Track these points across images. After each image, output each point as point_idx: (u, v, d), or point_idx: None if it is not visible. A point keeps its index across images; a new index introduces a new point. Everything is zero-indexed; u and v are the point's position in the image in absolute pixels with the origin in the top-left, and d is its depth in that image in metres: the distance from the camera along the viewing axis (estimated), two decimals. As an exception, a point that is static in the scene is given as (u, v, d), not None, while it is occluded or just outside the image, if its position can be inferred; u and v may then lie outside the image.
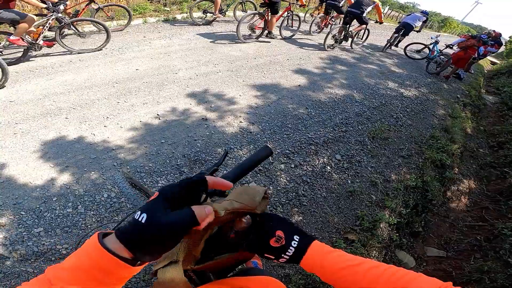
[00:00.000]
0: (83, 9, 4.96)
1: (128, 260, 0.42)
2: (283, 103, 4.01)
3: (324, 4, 8.25)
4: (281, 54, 5.94)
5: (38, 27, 3.96)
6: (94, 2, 4.93)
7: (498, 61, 18.19)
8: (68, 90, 3.49)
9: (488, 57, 14.81)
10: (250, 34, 6.45)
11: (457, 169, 4.03)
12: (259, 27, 6.31)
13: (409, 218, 2.88)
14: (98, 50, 4.57)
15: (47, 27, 3.95)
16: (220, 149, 2.92)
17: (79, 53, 4.41)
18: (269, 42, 6.48)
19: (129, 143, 2.83)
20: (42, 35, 3.95)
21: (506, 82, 9.96)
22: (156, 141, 2.90)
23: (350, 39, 7.43)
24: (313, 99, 4.32)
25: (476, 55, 7.55)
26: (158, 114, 3.28)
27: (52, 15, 3.93)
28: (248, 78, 4.48)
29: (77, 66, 4.11)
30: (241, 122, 3.41)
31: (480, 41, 7.45)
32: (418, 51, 9.34)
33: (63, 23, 4.07)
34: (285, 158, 3.04)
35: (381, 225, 2.61)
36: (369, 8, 6.57)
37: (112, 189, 2.33)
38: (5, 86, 3.36)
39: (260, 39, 6.44)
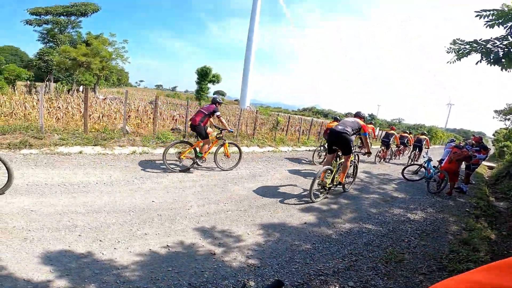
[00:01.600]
0: None
1: None
2: (291, 239, 4.04)
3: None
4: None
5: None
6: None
7: (494, 165, 17.96)
8: (88, 211, 3.81)
9: (484, 163, 14.86)
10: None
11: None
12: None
13: None
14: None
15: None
16: (227, 282, 2.87)
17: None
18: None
19: (135, 266, 2.87)
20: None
21: (511, 185, 9.87)
22: (163, 268, 2.92)
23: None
24: (319, 234, 4.36)
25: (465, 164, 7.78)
26: (168, 245, 3.36)
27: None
28: (255, 218, 4.59)
29: (100, 189, 4.56)
30: (248, 258, 3.41)
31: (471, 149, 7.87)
32: (415, 172, 9.81)
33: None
34: (295, 291, 2.92)
35: None
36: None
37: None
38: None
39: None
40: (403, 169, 9.30)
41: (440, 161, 8.43)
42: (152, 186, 5.13)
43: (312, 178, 5.80)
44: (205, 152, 6.38)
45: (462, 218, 6.00)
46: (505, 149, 19.90)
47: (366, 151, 6.20)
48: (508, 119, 17.19)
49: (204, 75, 29.61)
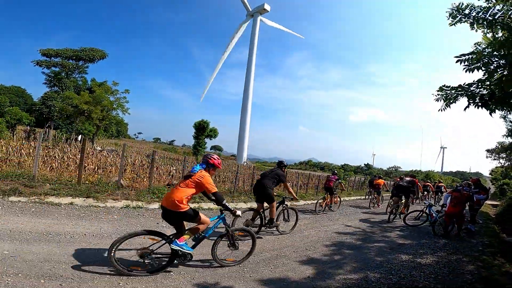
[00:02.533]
0: None
1: None
2: None
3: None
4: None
5: None
6: None
7: (497, 203, 18.14)
8: (72, 261, 3.57)
9: (487, 202, 15.63)
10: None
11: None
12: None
13: None
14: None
15: None
16: None
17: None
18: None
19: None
20: None
21: (520, 220, 9.81)
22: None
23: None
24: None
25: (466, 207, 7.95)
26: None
27: None
28: (255, 273, 4.24)
29: (88, 240, 4.36)
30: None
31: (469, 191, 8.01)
32: (417, 218, 9.70)
33: None
34: None
35: None
36: None
37: None
38: None
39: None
40: (404, 216, 9.45)
41: (443, 206, 8.45)
42: (145, 240, 4.79)
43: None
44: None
45: (477, 257, 5.87)
46: (505, 187, 19.62)
47: (416, 196, 12.87)
48: (502, 158, 17.59)
49: (201, 129, 30.24)
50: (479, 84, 4.40)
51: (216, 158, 4.07)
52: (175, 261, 3.74)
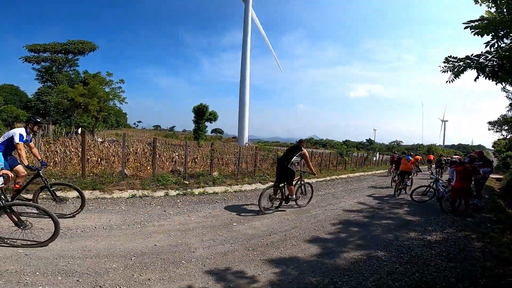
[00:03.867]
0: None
1: None
2: (306, 276, 3.71)
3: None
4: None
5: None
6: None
7: (501, 176, 17.90)
8: (86, 256, 3.65)
9: (491, 176, 14.85)
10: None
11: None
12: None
13: None
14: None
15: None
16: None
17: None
18: None
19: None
20: None
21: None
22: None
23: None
24: (336, 267, 4.03)
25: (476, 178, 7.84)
26: (173, 292, 3.09)
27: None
28: (265, 256, 4.29)
29: (99, 233, 4.39)
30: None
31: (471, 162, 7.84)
32: (424, 194, 9.63)
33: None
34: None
35: None
36: None
37: None
38: None
39: None
40: (412, 192, 9.35)
41: (449, 180, 8.34)
42: (154, 229, 4.88)
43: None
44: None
45: (485, 234, 5.86)
46: (508, 159, 19.55)
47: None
48: (505, 130, 17.37)
49: (201, 113, 29.93)
50: (488, 55, 4.22)
51: (413, 154, 9.91)
52: None
